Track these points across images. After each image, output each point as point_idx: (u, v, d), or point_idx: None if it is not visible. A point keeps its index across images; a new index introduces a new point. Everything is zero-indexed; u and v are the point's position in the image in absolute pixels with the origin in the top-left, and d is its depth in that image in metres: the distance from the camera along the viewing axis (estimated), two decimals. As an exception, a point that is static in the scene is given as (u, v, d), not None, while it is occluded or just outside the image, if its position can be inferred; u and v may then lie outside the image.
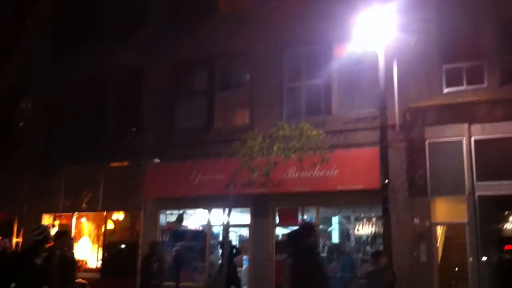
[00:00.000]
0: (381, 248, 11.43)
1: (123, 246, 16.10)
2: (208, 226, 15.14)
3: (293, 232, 7.07)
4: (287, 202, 14.11)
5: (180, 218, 15.35)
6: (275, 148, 11.96)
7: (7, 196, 17.42)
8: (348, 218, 14.17)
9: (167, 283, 14.18)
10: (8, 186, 17.47)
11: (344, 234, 14.22)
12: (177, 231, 15.50)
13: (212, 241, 15.03)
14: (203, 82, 15.92)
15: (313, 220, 14.09)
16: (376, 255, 9.62)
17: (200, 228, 15.41)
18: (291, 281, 5.79)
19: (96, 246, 16.67)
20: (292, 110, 14.34)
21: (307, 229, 6.41)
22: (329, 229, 14.40)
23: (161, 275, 10.94)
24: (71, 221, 17.01)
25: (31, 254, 6.62)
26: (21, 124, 18.55)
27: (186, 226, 15.60)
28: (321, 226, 14.14)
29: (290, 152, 11.93)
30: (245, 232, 15.10)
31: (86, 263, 16.57)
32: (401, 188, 12.40)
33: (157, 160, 15.40)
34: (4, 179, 17.42)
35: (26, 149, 17.55)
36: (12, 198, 17.44)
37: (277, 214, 14.45)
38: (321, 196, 13.40)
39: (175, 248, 15.08)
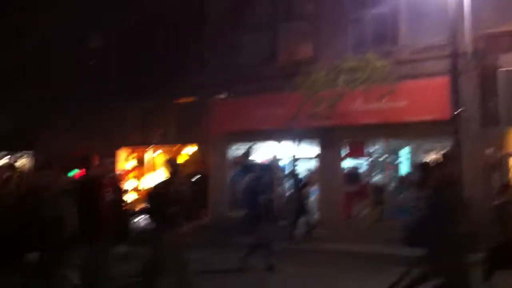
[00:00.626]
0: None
1: (195, 178, 16.65)
2: (276, 159, 15.37)
3: (430, 162, 6.85)
4: (355, 134, 13.99)
5: (248, 152, 15.62)
6: (340, 80, 11.79)
7: (85, 133, 18.32)
8: (417, 150, 13.90)
9: (238, 213, 14.82)
10: (87, 123, 18.33)
11: (413, 166, 14.01)
12: (245, 165, 15.82)
13: (279, 174, 15.29)
14: (266, 15, 15.67)
15: (382, 152, 14.00)
16: (505, 186, 9.14)
17: (268, 162, 15.65)
18: (430, 215, 5.61)
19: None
20: (358, 41, 13.88)
21: (448, 159, 6.17)
22: (398, 161, 14.23)
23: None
24: (146, 155, 17.76)
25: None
26: (92, 62, 19.10)
27: (254, 160, 15.88)
28: (389, 158, 14.01)
29: (356, 84, 11.74)
30: (313, 164, 15.20)
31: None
32: (473, 118, 11.96)
33: (222, 96, 15.59)
34: (81, 116, 18.24)
35: (101, 86, 18.14)
36: (91, 135, 18.29)
37: (344, 146, 14.43)
38: (390, 128, 13.18)
39: (244, 181, 15.43)
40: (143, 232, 6.82)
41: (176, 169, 6.93)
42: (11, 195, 8.03)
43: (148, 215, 7.22)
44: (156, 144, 17.48)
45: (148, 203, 7.24)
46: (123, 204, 7.25)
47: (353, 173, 14.47)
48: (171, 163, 6.98)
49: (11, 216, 6.79)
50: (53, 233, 6.34)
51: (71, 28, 18.27)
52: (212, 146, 15.91)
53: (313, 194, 14.88)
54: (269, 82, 14.30)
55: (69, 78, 18.43)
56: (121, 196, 7.49)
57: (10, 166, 10.32)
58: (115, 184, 7.44)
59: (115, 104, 17.46)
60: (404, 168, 14.16)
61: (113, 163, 7.34)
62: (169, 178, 6.79)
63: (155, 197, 6.79)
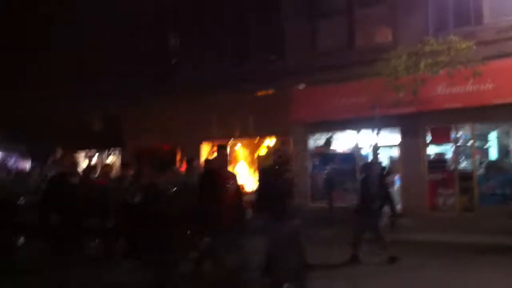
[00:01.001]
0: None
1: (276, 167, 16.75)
2: (357, 148, 15.17)
3: None
4: (438, 120, 13.56)
5: (328, 142, 15.54)
6: (421, 65, 11.46)
7: (168, 127, 18.92)
8: (506, 134, 13.26)
9: (320, 204, 14.79)
10: (169, 117, 18.91)
11: (503, 150, 13.38)
12: (326, 155, 15.76)
13: (361, 163, 15.07)
14: (343, 0, 15.45)
15: (468, 138, 13.47)
16: None
17: (349, 151, 15.48)
18: None
19: (252, 170, 17.60)
20: (439, 23, 13.41)
21: None
22: (486, 146, 13.64)
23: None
24: (227, 148, 18.05)
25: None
26: (174, 61, 19.63)
27: (335, 149, 15.77)
28: (476, 143, 13.45)
29: (438, 68, 11.36)
30: (395, 152, 14.88)
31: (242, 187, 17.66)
32: None
33: (301, 85, 15.56)
34: (161, 111, 18.83)
35: (179, 79, 18.62)
36: (173, 129, 18.87)
37: (428, 132, 14.00)
38: (476, 112, 12.68)
39: (325, 171, 15.40)
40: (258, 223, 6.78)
41: (287, 159, 7.01)
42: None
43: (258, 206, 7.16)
44: (236, 137, 17.74)
45: (258, 194, 7.27)
46: (241, 196, 7.30)
47: (437, 160, 14.03)
48: (282, 151, 7.08)
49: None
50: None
51: (150, 23, 18.90)
52: (292, 137, 15.93)
53: (396, 183, 14.59)
54: (347, 69, 14.12)
55: (151, 73, 19.10)
56: (239, 188, 7.61)
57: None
58: (234, 176, 7.37)
59: (196, 99, 17.88)
60: (493, 153, 13.56)
61: (226, 155, 7.39)
62: (279, 168, 6.83)
63: (266, 187, 6.85)
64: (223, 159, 7.44)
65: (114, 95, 19.80)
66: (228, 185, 6.96)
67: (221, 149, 7.46)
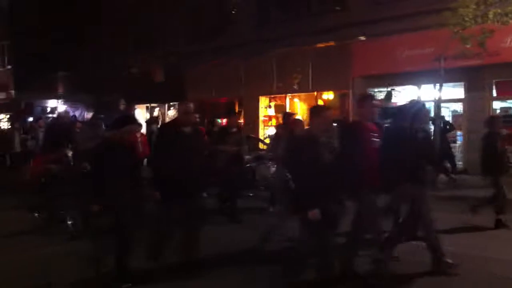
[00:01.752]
0: None
1: (334, 125, 16.61)
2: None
3: None
4: (505, 74, 13.01)
5: (388, 96, 15.17)
6: (490, 14, 10.95)
7: (227, 81, 19.11)
8: None
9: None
10: (228, 71, 19.08)
11: None
12: (386, 109, 15.45)
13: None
14: None
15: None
16: None
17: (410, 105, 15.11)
18: None
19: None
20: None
21: None
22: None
23: None
24: (284, 102, 18.06)
25: None
26: (233, 11, 19.56)
27: (395, 103, 15.43)
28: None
29: (508, 18, 10.82)
30: (458, 107, 14.45)
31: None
32: None
33: (362, 38, 15.23)
34: (224, 65, 18.98)
35: (239, 33, 18.61)
36: (232, 83, 19.04)
37: (494, 86, 13.48)
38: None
39: (385, 125, 15.13)
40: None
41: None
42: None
43: None
44: (294, 91, 17.68)
45: None
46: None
47: (503, 116, 13.51)
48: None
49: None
50: None
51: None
52: (352, 91, 15.71)
53: (459, 139, 14.23)
54: (411, 20, 13.66)
55: (212, 27, 19.19)
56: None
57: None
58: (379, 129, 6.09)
59: (255, 52, 17.89)
60: None
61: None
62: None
63: None
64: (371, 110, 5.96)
65: (177, 48, 20.12)
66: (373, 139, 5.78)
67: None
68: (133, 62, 22.35)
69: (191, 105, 6.32)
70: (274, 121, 18.52)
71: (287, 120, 8.98)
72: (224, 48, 18.60)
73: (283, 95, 18.11)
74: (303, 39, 16.23)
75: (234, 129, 9.75)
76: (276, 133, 9.70)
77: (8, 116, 27.66)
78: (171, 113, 22.82)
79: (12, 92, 26.91)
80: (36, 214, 8.76)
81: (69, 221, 7.95)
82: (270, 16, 17.83)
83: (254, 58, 18.04)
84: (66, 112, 12.90)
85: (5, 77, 27.62)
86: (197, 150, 6.27)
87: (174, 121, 6.75)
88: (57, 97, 27.34)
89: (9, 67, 27.61)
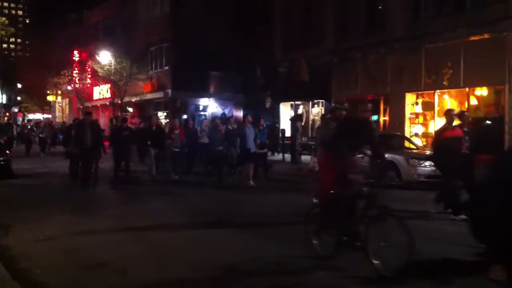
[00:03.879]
0: None
1: (488, 122, 15.59)
2: None
3: None
4: None
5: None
6: None
7: (373, 77, 18.83)
8: None
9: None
10: (374, 68, 18.81)
11: None
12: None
13: None
14: None
15: None
16: None
17: None
18: None
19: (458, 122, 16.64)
20: None
21: None
22: None
23: None
24: (433, 99, 17.31)
25: None
26: (380, 6, 19.21)
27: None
28: None
29: None
30: None
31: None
32: None
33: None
34: (372, 61, 18.75)
35: (388, 31, 18.25)
36: (378, 80, 18.72)
37: None
38: None
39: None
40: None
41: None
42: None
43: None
44: (444, 87, 16.87)
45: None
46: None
47: None
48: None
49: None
50: None
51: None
52: (508, 85, 14.61)
53: None
54: None
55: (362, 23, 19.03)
56: None
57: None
58: None
59: (403, 47, 17.42)
60: None
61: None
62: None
63: None
64: None
65: (324, 46, 20.30)
66: None
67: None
68: (281, 61, 22.93)
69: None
70: (421, 119, 17.86)
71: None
72: (371, 44, 18.37)
73: (432, 91, 17.35)
74: (455, 33, 15.43)
75: None
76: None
77: (165, 113, 29.82)
78: (315, 110, 23.04)
79: (169, 91, 28.98)
80: None
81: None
82: (423, 11, 17.22)
83: (403, 54, 17.56)
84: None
85: (164, 77, 29.86)
86: None
87: None
88: (208, 95, 28.97)
89: (166, 67, 29.79)
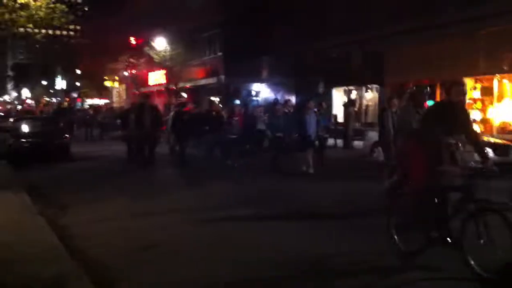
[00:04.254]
0: None
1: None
2: None
3: None
4: None
5: None
6: None
7: (428, 62, 18.41)
8: None
9: None
10: (429, 52, 18.38)
11: None
12: None
13: None
14: None
15: None
16: None
17: None
18: None
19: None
20: None
21: None
22: None
23: None
24: (492, 84, 16.82)
25: None
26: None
27: None
28: None
29: None
30: None
31: (510, 125, 16.37)
32: None
33: None
34: (424, 45, 18.33)
35: (444, 13, 17.79)
36: (433, 64, 18.28)
37: None
38: None
39: None
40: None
41: None
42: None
43: None
44: (504, 71, 16.34)
45: None
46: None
47: None
48: None
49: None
50: None
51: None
52: None
53: None
54: None
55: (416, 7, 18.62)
56: None
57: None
58: None
59: (461, 30, 16.95)
60: None
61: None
62: None
63: None
64: None
65: (377, 30, 19.99)
66: None
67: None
68: (333, 45, 22.74)
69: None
70: (479, 104, 17.39)
71: None
72: (426, 28, 17.95)
73: (491, 76, 16.84)
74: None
75: None
76: None
77: (218, 99, 30.21)
78: (368, 96, 22.79)
79: (222, 77, 29.28)
80: None
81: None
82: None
83: (459, 37, 17.09)
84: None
85: (216, 63, 30.19)
86: None
87: None
88: (261, 80, 29.08)
89: (219, 53, 30.06)
